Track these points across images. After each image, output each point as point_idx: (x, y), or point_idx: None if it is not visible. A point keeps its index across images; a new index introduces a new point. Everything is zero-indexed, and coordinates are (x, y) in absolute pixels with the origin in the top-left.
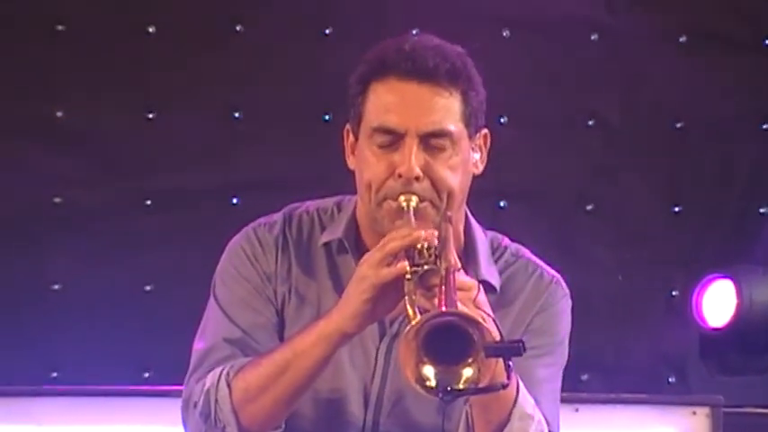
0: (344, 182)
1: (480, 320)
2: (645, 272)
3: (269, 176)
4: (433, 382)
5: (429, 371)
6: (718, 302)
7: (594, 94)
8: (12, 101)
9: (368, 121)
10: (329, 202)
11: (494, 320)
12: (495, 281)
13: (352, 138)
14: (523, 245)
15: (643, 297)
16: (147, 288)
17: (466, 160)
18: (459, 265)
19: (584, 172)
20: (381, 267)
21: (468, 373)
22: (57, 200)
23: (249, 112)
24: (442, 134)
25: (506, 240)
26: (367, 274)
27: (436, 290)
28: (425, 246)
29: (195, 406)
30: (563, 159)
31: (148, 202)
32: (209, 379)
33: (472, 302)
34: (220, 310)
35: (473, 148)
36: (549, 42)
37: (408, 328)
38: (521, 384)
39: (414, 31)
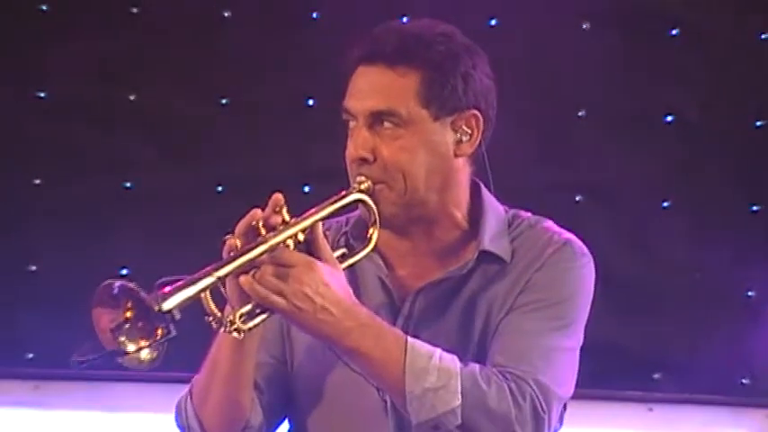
0: None
1: (146, 300)
2: (721, 271)
3: (340, 165)
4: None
5: (126, 326)
6: None
7: (673, 90)
8: (85, 85)
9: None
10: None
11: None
12: (503, 251)
13: None
14: (598, 241)
15: (718, 296)
16: None
17: (430, 141)
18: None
19: (661, 168)
20: (228, 240)
21: (143, 342)
22: (127, 184)
23: (323, 100)
24: (388, 114)
25: (528, 215)
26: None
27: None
28: (260, 224)
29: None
30: (640, 155)
31: (219, 188)
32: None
33: (292, 276)
34: None
35: (454, 129)
36: (629, 36)
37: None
38: (409, 341)
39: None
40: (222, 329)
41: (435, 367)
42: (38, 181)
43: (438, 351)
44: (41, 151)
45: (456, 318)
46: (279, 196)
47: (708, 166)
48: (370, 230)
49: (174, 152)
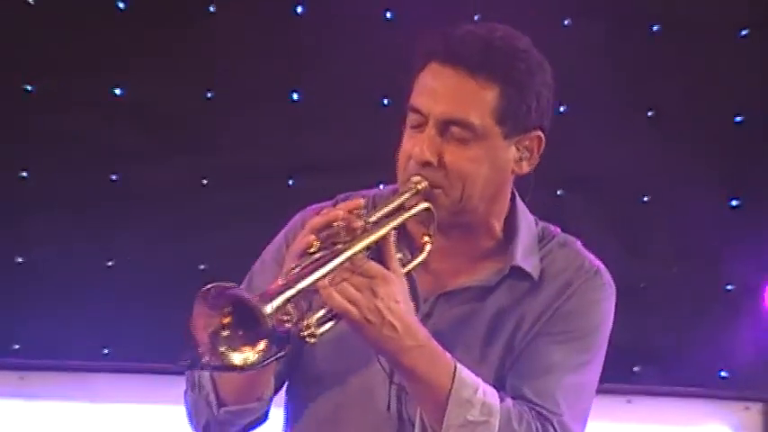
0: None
1: (254, 304)
2: (700, 265)
3: (324, 159)
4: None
5: (223, 332)
6: None
7: (654, 86)
8: (72, 78)
9: (410, 99)
10: (388, 189)
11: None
12: (532, 268)
13: None
14: (579, 234)
15: (698, 290)
16: (202, 267)
17: (496, 157)
18: (405, 263)
19: (641, 163)
20: (301, 239)
21: (247, 350)
22: (113, 177)
23: (307, 94)
24: (461, 124)
25: (558, 231)
26: (294, 242)
27: (307, 265)
28: (342, 226)
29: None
30: (621, 150)
31: (205, 181)
32: None
33: (366, 287)
34: (248, 283)
35: (518, 148)
36: (611, 32)
37: (214, 285)
38: (460, 370)
39: (476, 17)
40: (298, 333)
41: (480, 401)
42: (24, 173)
43: (481, 384)
44: (28, 144)
45: (481, 330)
46: (360, 201)
47: (688, 162)
48: (426, 238)
49: (160, 145)
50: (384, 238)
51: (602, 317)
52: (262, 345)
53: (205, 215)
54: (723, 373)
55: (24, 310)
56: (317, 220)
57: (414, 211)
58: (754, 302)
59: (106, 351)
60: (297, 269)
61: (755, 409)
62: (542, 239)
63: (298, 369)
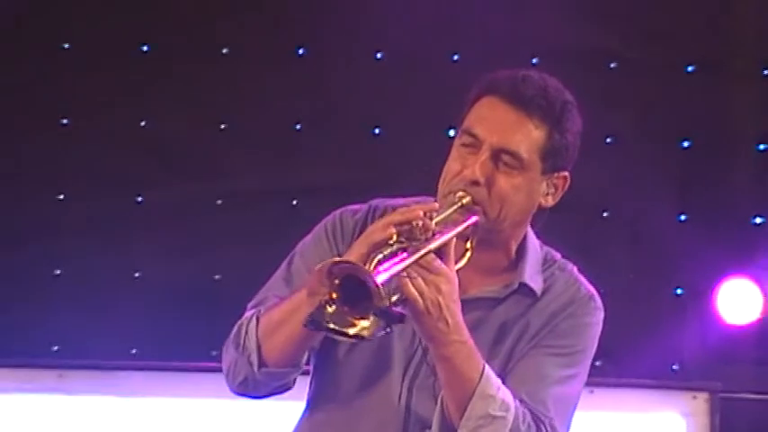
0: (388, 188)
1: (374, 283)
2: (653, 272)
3: (324, 182)
4: (319, 315)
5: (329, 307)
6: (736, 300)
7: (612, 115)
8: (102, 112)
9: (465, 123)
10: (411, 201)
11: (444, 307)
12: (537, 286)
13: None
14: (548, 245)
15: (651, 294)
16: (216, 277)
17: (532, 188)
18: (458, 263)
19: (602, 182)
20: (380, 230)
21: (358, 324)
22: (139, 198)
23: (309, 124)
24: (512, 154)
25: (558, 256)
26: (368, 232)
27: (396, 257)
28: (419, 225)
29: (230, 334)
30: (583, 171)
31: (219, 202)
32: (247, 314)
33: (432, 283)
34: (287, 270)
35: (547, 184)
36: (574, 70)
37: (326, 261)
38: (486, 368)
39: (534, 71)
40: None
41: (501, 398)
42: (61, 196)
43: (501, 384)
44: (65, 170)
45: (489, 336)
46: (435, 204)
47: (642, 181)
48: (467, 245)
49: (179, 171)
50: (447, 244)
51: (591, 338)
52: (371, 319)
53: (219, 232)
54: (674, 366)
55: (62, 317)
56: (398, 218)
57: (468, 222)
58: (700, 305)
59: (134, 351)
60: (379, 255)
61: (702, 397)
62: (545, 262)
63: (327, 351)
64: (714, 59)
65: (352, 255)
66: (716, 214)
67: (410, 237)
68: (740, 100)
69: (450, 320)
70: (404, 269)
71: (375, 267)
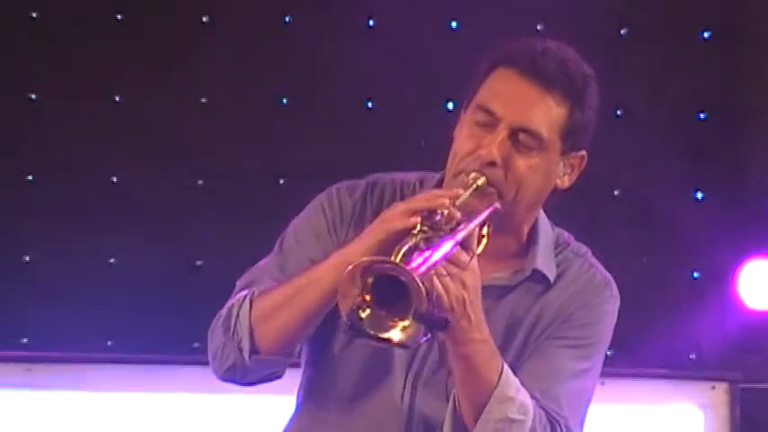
0: (383, 167)
1: (418, 285)
2: (667, 254)
3: (312, 160)
4: (355, 320)
5: (362, 311)
6: (757, 283)
7: (622, 86)
8: (73, 86)
9: (478, 98)
10: (412, 176)
11: (465, 302)
12: (549, 272)
13: (463, 111)
14: (556, 225)
15: (666, 278)
16: (198, 263)
17: (549, 169)
18: (475, 250)
19: (612, 159)
20: (400, 217)
21: (396, 326)
22: (113, 179)
23: (296, 98)
24: (532, 134)
25: (572, 239)
26: (386, 218)
27: (425, 251)
28: (445, 213)
29: (220, 317)
30: (592, 147)
31: (200, 182)
32: (238, 296)
33: (458, 278)
34: (279, 248)
35: (564, 164)
36: (581, 37)
37: (360, 260)
38: (506, 368)
39: (551, 41)
40: None
41: (520, 401)
42: (30, 177)
43: (520, 384)
44: (34, 150)
45: (499, 328)
46: (459, 191)
47: (655, 157)
48: (484, 231)
49: (158, 149)
50: (472, 232)
51: (606, 329)
52: (408, 321)
53: (200, 214)
54: (691, 356)
55: (32, 306)
56: (422, 204)
57: (490, 210)
58: (719, 289)
59: (109, 343)
60: (405, 248)
61: (721, 388)
62: (558, 245)
63: (321, 344)
64: (732, 25)
65: (369, 243)
66: (735, 191)
67: (433, 226)
68: (761, 68)
69: (473, 317)
70: (436, 264)
71: (409, 263)
